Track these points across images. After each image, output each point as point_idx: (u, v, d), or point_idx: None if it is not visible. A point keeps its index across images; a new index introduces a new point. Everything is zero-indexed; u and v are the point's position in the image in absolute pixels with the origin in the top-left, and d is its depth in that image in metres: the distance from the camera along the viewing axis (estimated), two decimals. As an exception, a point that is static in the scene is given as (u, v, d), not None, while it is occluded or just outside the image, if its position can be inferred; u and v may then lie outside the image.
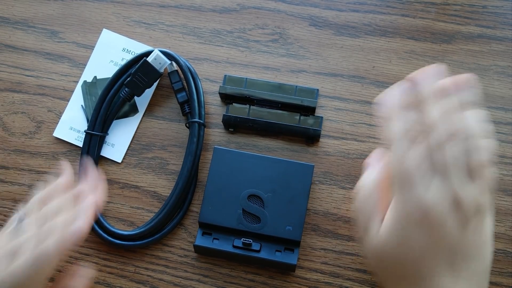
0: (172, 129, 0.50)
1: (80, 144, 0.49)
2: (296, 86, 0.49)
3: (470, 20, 0.51)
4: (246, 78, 0.50)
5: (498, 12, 0.51)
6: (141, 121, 0.50)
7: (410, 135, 0.33)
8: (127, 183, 0.49)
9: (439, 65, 0.34)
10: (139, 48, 0.52)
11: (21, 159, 0.50)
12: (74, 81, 0.52)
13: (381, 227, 0.34)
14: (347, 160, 0.48)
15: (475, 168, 0.33)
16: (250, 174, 0.46)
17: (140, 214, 0.48)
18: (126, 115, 0.50)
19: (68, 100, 0.51)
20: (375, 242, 0.35)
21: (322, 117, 0.49)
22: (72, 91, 0.51)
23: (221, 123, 0.50)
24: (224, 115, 0.49)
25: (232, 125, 0.49)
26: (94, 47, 0.52)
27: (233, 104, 0.49)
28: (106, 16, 0.53)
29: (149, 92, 0.50)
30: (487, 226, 0.34)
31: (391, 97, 0.35)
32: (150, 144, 0.50)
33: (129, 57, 0.51)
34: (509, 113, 0.49)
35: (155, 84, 0.50)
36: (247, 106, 0.49)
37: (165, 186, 0.48)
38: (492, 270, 0.45)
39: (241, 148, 0.49)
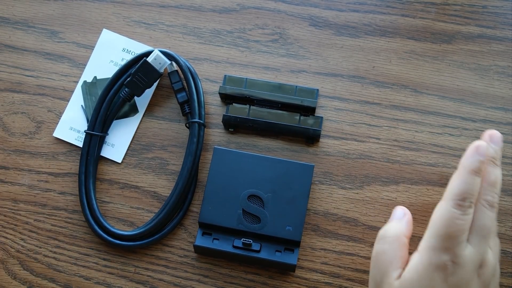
0: (172, 129, 0.50)
1: (80, 144, 0.49)
2: (296, 86, 0.49)
3: (470, 20, 0.51)
4: (246, 78, 0.50)
5: (498, 12, 0.51)
6: (141, 121, 0.50)
7: (461, 203, 0.37)
8: (127, 183, 0.49)
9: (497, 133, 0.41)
10: (139, 48, 0.52)
11: (21, 159, 0.50)
12: (74, 81, 0.52)
13: (405, 272, 0.37)
14: (347, 160, 0.48)
15: (492, 238, 0.38)
16: (250, 174, 0.46)
17: (140, 214, 0.48)
18: (126, 115, 0.50)
19: (68, 100, 0.51)
20: (396, 286, 0.37)
21: (322, 117, 0.49)
22: (72, 91, 0.51)
23: (221, 123, 0.50)
24: (224, 115, 0.49)
25: (232, 125, 0.49)
26: (94, 47, 0.52)
27: (233, 104, 0.49)
28: (106, 16, 0.53)
29: (149, 92, 0.50)
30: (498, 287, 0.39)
31: (480, 152, 0.39)
32: (150, 144, 0.50)
33: (129, 57, 0.51)
34: (509, 113, 0.49)
35: (155, 84, 0.50)
36: (247, 106, 0.49)
37: (165, 186, 0.48)
38: (492, 270, 0.45)
39: (241, 148, 0.49)
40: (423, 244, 0.38)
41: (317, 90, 0.49)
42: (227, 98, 0.50)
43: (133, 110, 0.50)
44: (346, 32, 0.51)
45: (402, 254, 0.39)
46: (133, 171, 0.49)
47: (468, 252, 0.36)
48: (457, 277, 0.36)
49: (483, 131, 0.48)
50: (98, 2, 0.54)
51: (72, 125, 0.50)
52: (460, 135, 0.48)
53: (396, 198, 0.47)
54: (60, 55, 0.52)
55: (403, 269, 0.38)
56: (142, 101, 0.51)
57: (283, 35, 0.52)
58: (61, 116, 0.51)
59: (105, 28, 0.53)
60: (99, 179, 0.49)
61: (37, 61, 0.52)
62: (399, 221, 0.41)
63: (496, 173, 0.39)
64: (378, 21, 0.52)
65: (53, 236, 0.48)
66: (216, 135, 0.49)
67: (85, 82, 0.51)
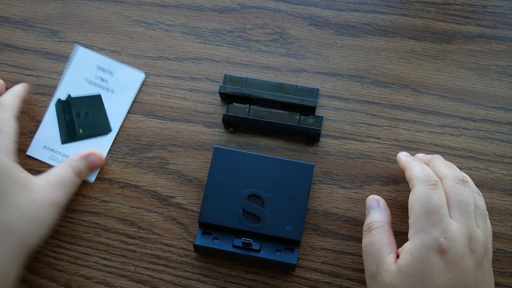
0: (172, 129, 0.50)
1: (54, 164, 0.49)
2: (296, 86, 0.49)
3: (470, 20, 0.51)
4: (246, 78, 0.50)
5: (498, 12, 0.51)
6: (141, 120, 0.50)
7: (429, 180, 0.39)
8: (127, 183, 0.49)
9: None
10: (113, 66, 0.51)
11: (21, 159, 0.50)
12: (74, 81, 0.52)
13: (400, 259, 0.38)
14: (347, 159, 0.48)
15: (478, 217, 0.39)
16: (250, 174, 0.45)
17: (140, 214, 0.48)
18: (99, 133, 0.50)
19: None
20: (393, 272, 0.37)
21: (322, 117, 0.49)
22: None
23: (221, 123, 0.50)
24: (224, 114, 0.49)
25: (232, 124, 0.49)
26: (93, 46, 0.52)
27: (233, 103, 0.49)
28: (106, 16, 0.53)
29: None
30: (491, 271, 0.39)
31: (405, 153, 0.46)
32: (150, 144, 0.50)
33: (103, 75, 0.51)
34: (509, 113, 0.49)
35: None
36: (247, 105, 0.49)
37: (165, 186, 0.48)
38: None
39: (241, 148, 0.49)
40: (411, 231, 0.38)
41: (317, 89, 0.49)
42: (227, 98, 0.50)
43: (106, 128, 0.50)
44: (346, 31, 0.51)
45: (389, 241, 0.40)
46: (133, 171, 0.49)
47: (454, 226, 0.37)
48: (452, 252, 0.36)
49: (483, 131, 0.48)
50: (98, 2, 0.54)
51: (45, 144, 0.50)
52: (460, 134, 0.48)
53: (396, 198, 0.47)
54: (60, 54, 0.52)
55: (396, 254, 0.39)
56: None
57: (283, 35, 0.52)
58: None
59: (77, 44, 0.52)
60: (99, 178, 0.49)
61: (37, 61, 0.52)
62: (376, 210, 0.43)
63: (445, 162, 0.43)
64: (378, 20, 0.52)
65: (52, 235, 0.48)
66: (216, 135, 0.49)
67: (59, 100, 0.51)
